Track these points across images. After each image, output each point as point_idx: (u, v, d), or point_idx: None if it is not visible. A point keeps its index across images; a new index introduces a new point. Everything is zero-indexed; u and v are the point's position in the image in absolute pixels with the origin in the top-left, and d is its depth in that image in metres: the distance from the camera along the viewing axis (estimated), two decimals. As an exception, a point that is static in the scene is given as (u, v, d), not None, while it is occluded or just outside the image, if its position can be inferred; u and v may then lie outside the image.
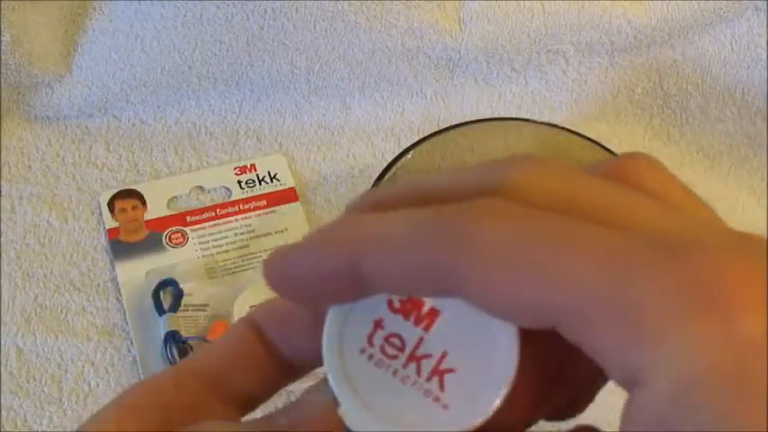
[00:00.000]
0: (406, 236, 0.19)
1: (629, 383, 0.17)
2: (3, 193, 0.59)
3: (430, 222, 0.19)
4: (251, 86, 0.63)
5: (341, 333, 0.21)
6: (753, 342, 0.16)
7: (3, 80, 0.60)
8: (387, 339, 0.21)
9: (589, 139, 0.51)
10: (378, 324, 0.21)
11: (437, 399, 0.21)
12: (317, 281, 0.21)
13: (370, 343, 0.21)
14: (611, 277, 0.17)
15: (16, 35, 0.59)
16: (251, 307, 0.52)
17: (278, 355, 0.24)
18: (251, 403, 0.24)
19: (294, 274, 0.21)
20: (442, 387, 0.21)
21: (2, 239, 0.57)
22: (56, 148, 0.61)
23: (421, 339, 0.21)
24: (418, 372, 0.21)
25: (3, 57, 0.59)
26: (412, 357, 0.21)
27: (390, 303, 0.21)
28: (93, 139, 0.62)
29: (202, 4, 0.60)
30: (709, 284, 0.17)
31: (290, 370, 0.24)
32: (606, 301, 0.17)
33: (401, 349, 0.21)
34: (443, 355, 0.21)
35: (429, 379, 0.21)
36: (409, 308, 0.21)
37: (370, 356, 0.21)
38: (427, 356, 0.21)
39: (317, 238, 0.21)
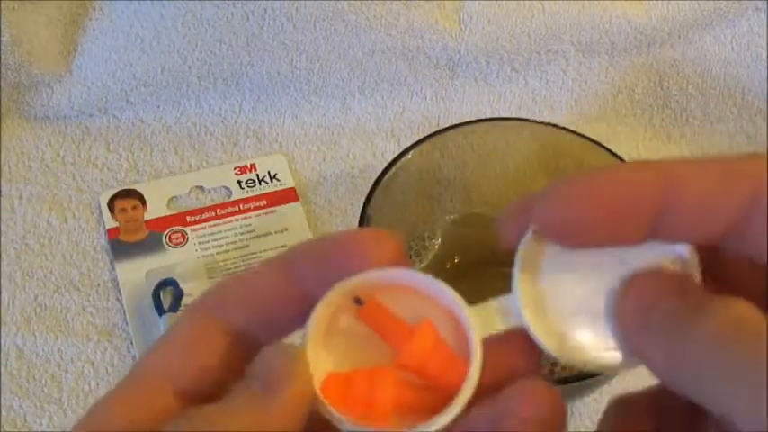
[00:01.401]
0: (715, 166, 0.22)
1: None
2: (3, 193, 0.59)
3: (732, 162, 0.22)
4: (251, 86, 0.63)
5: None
6: None
7: (3, 80, 0.60)
8: None
9: (589, 139, 0.51)
10: None
11: None
12: (620, 207, 0.22)
13: None
14: None
15: (16, 35, 0.59)
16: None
17: (244, 341, 0.24)
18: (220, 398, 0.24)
19: (600, 198, 0.22)
20: None
21: (2, 239, 0.57)
22: (56, 148, 0.61)
23: None
24: None
25: (3, 57, 0.59)
26: None
27: None
28: (93, 139, 0.62)
29: (202, 4, 0.60)
30: None
31: (254, 350, 0.24)
32: None
33: None
34: None
35: None
36: None
37: None
38: None
39: (625, 166, 0.23)
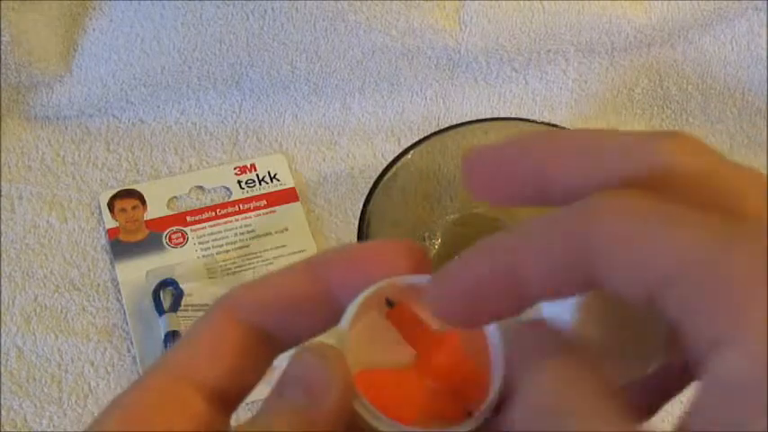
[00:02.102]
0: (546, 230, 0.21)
1: (712, 349, 0.18)
2: (3, 193, 0.59)
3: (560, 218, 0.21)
4: (251, 86, 0.63)
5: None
6: None
7: (3, 80, 0.60)
8: None
9: (589, 139, 0.51)
10: None
11: None
12: (480, 290, 0.22)
13: None
14: (707, 246, 0.19)
15: (16, 35, 0.59)
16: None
17: (267, 341, 0.24)
18: (239, 398, 0.24)
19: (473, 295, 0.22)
20: None
21: (2, 239, 0.57)
22: (56, 148, 0.61)
23: None
24: None
25: (3, 57, 0.59)
26: None
27: None
28: (93, 139, 0.62)
29: (202, 4, 0.60)
30: None
31: (275, 353, 0.24)
32: (702, 266, 0.19)
33: None
34: None
35: None
36: None
37: None
38: None
39: (476, 250, 0.22)
